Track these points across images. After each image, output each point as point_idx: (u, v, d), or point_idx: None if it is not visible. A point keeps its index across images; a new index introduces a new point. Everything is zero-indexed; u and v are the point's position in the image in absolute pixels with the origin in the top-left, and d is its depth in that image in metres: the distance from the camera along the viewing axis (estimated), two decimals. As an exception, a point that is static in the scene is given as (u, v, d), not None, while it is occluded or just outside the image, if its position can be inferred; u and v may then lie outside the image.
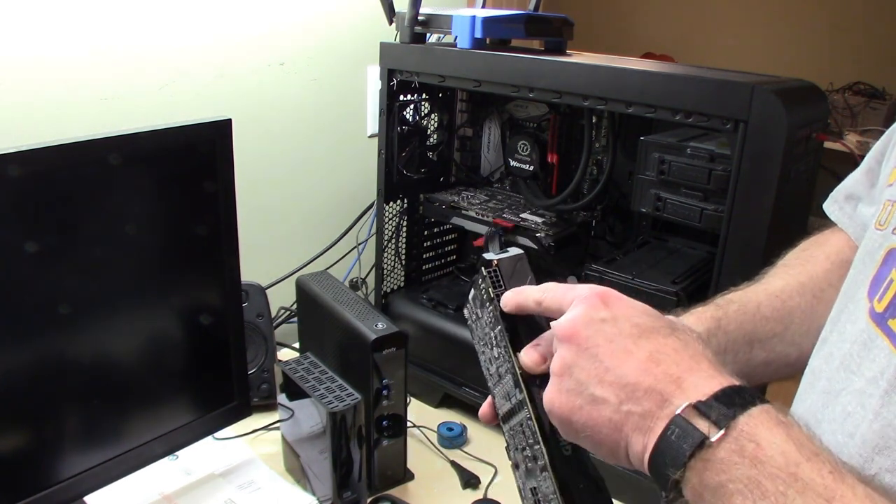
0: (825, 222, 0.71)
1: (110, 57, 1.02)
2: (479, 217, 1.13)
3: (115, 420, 0.80)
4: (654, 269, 0.96)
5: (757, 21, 2.95)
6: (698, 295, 0.88)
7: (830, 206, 0.70)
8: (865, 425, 0.45)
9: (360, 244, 1.36)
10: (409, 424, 0.99)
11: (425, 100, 1.19)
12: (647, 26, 3.24)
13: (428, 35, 1.11)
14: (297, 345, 1.18)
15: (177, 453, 0.95)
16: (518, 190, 1.21)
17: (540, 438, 0.49)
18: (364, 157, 1.39)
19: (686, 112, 0.82)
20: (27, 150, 0.65)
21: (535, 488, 0.51)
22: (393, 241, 1.22)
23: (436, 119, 1.23)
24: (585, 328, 0.46)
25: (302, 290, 1.06)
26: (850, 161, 0.78)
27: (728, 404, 0.40)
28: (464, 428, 1.07)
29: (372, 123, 1.40)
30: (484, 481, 0.98)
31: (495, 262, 0.54)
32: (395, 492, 0.96)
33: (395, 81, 1.10)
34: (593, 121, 1.06)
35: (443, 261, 1.33)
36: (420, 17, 1.08)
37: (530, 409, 0.50)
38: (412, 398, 1.15)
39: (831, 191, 0.70)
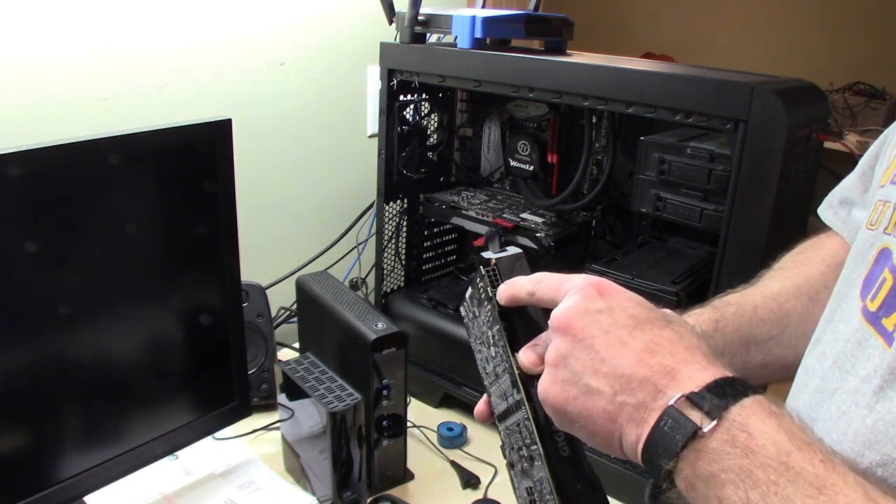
0: (823, 224, 0.71)
1: (110, 57, 1.02)
2: (479, 217, 1.13)
3: (115, 420, 0.80)
4: (654, 269, 0.96)
5: (757, 21, 2.95)
6: (698, 295, 0.88)
7: (825, 211, 0.70)
8: (859, 421, 0.45)
9: (360, 244, 1.36)
10: (409, 424, 0.99)
11: (425, 100, 1.19)
12: (647, 26, 3.24)
13: (428, 35, 1.11)
14: (297, 345, 1.18)
15: (177, 453, 0.95)
16: (518, 190, 1.21)
17: (538, 438, 0.49)
18: (364, 157, 1.39)
19: (686, 112, 0.82)
20: (27, 150, 0.65)
21: (530, 488, 0.51)
22: (393, 241, 1.22)
23: (436, 119, 1.23)
24: (581, 318, 0.46)
25: (302, 290, 1.06)
26: (850, 161, 0.79)
27: (721, 395, 0.40)
28: (464, 428, 1.07)
29: (372, 123, 1.40)
30: (484, 481, 0.98)
31: (494, 260, 0.54)
32: (395, 492, 0.96)
33: (395, 81, 1.10)
34: (593, 121, 1.06)
35: (443, 261, 1.33)
36: (420, 17, 1.08)
37: (528, 410, 0.50)
38: (412, 398, 1.15)
39: (831, 191, 0.71)
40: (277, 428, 1.01)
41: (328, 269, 1.22)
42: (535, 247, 1.06)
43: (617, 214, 1.13)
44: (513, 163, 1.17)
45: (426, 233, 1.27)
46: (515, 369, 0.51)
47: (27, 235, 0.67)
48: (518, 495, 0.53)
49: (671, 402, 0.41)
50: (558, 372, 0.46)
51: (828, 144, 0.99)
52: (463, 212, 1.15)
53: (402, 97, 1.14)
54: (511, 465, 0.54)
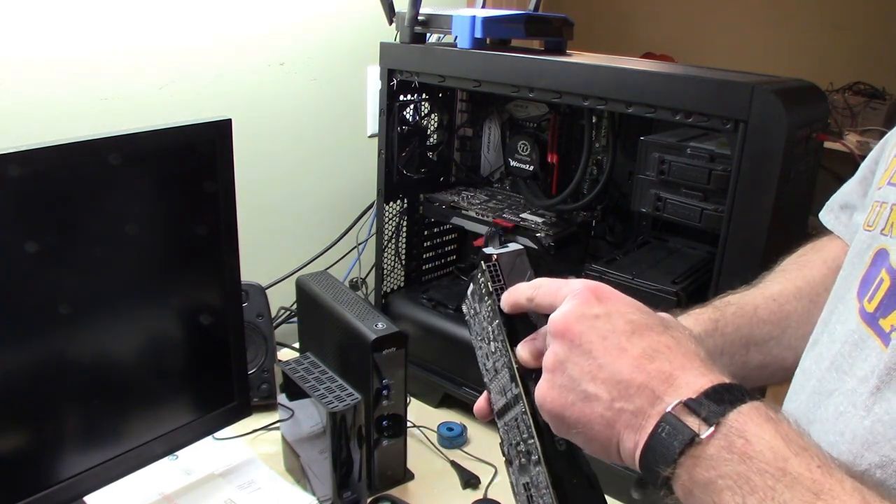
0: (824, 226, 0.71)
1: (110, 57, 1.02)
2: (479, 217, 1.13)
3: (115, 420, 0.80)
4: (654, 269, 0.96)
5: (757, 21, 2.95)
6: (698, 295, 0.88)
7: (826, 216, 0.70)
8: (856, 422, 0.45)
9: (360, 244, 1.36)
10: (409, 424, 0.99)
11: (425, 100, 1.19)
12: (647, 26, 3.24)
13: (428, 35, 1.11)
14: (297, 345, 1.18)
15: (177, 453, 0.95)
16: (518, 190, 1.21)
17: (534, 432, 0.49)
18: (364, 157, 1.39)
19: (686, 112, 0.82)
20: (27, 150, 0.65)
21: (527, 483, 0.51)
22: (393, 241, 1.22)
23: (436, 119, 1.23)
24: (578, 324, 0.45)
25: (302, 290, 1.06)
26: (850, 161, 0.79)
27: (718, 401, 0.40)
28: (464, 428, 1.07)
29: (372, 123, 1.40)
30: (484, 481, 0.98)
31: (495, 256, 0.54)
32: (395, 492, 0.96)
33: (395, 81, 1.10)
34: (593, 121, 1.06)
35: (443, 261, 1.33)
36: (420, 17, 1.08)
37: (525, 404, 0.50)
38: (412, 398, 1.15)
39: (831, 191, 0.71)
40: (277, 428, 1.01)
41: (328, 269, 1.22)
42: (535, 247, 1.06)
43: (617, 214, 1.13)
44: (513, 163, 1.17)
45: (426, 233, 1.27)
46: (514, 363, 0.51)
47: (27, 235, 0.67)
48: (516, 492, 0.53)
49: (669, 409, 0.41)
50: (556, 377, 0.46)
51: (828, 144, 0.99)
52: (463, 212, 1.15)
53: (402, 97, 1.14)
54: (509, 462, 0.54)
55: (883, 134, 0.65)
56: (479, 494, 0.96)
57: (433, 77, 1.06)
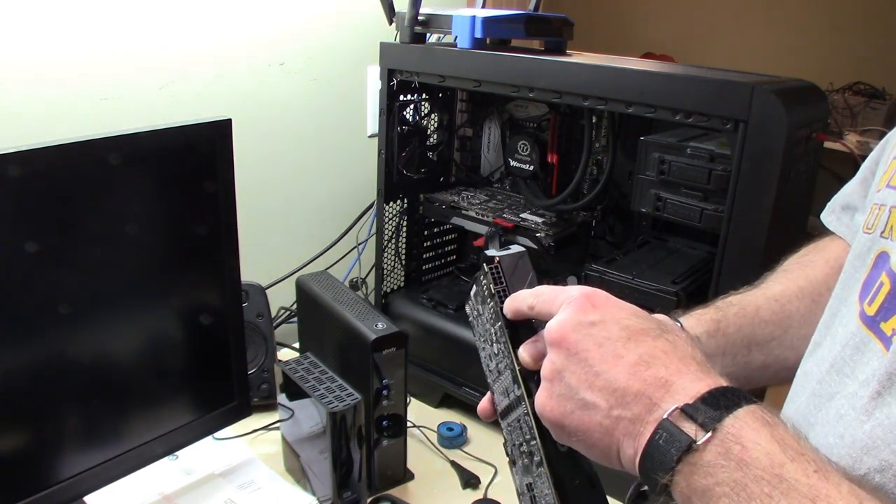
0: (824, 226, 0.71)
1: (110, 57, 1.02)
2: (479, 217, 1.13)
3: (115, 420, 0.80)
4: (654, 269, 0.96)
5: (757, 21, 2.95)
6: (698, 295, 0.88)
7: (828, 217, 0.70)
8: (856, 426, 0.45)
9: (360, 244, 1.36)
10: (409, 424, 0.99)
11: (425, 100, 1.19)
12: (647, 26, 3.24)
13: (428, 35, 1.11)
14: (297, 345, 1.18)
15: (177, 453, 0.95)
16: (518, 190, 1.21)
17: (536, 434, 0.49)
18: (364, 157, 1.39)
19: (686, 112, 0.82)
20: (27, 150, 0.65)
21: (530, 484, 0.51)
22: (393, 241, 1.22)
23: (436, 119, 1.23)
24: (574, 332, 0.45)
25: (302, 290, 1.06)
26: (851, 161, 0.79)
27: (714, 406, 0.40)
28: (464, 428, 1.07)
29: (372, 123, 1.40)
30: (484, 481, 0.98)
31: (497, 258, 0.54)
32: (395, 492, 0.96)
33: (395, 81, 1.10)
34: (593, 121, 1.06)
35: (443, 261, 1.33)
36: (420, 17, 1.08)
37: (528, 405, 0.50)
38: (412, 398, 1.15)
39: (831, 191, 0.71)
40: (277, 428, 1.01)
41: (328, 269, 1.22)
42: (535, 247, 1.06)
43: (617, 214, 1.13)
44: (513, 163, 1.17)
45: (426, 233, 1.27)
46: (516, 365, 0.51)
47: (27, 235, 0.67)
48: (520, 492, 0.53)
49: (665, 415, 0.41)
50: (554, 386, 0.46)
51: (828, 144, 0.99)
52: (463, 212, 1.15)
53: (402, 97, 1.14)
54: (513, 463, 0.54)
55: (883, 134, 0.65)
56: (479, 494, 0.96)
57: (433, 77, 1.06)
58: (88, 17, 0.98)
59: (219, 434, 0.98)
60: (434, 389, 1.15)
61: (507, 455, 0.55)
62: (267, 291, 1.11)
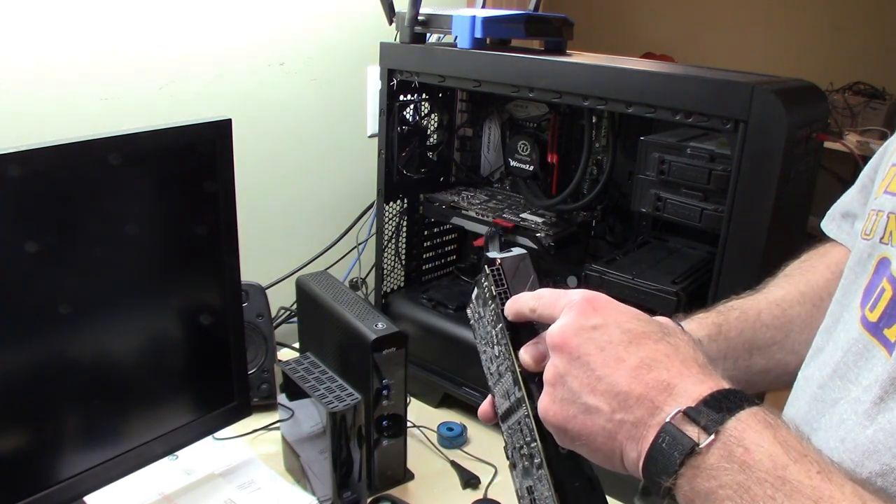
0: (824, 231, 0.72)
1: (110, 57, 1.02)
2: (479, 217, 1.13)
3: (115, 420, 0.80)
4: (654, 269, 0.96)
5: (757, 21, 2.96)
6: (698, 295, 0.89)
7: (829, 225, 0.71)
8: (858, 431, 0.45)
9: (360, 244, 1.36)
10: (409, 424, 0.99)
11: (425, 100, 1.19)
12: (647, 26, 3.25)
13: (428, 35, 1.11)
14: (297, 345, 1.18)
15: (177, 453, 0.95)
16: (518, 190, 1.21)
17: (537, 436, 0.49)
18: (364, 157, 1.39)
19: (686, 112, 0.82)
20: (27, 150, 0.65)
21: (531, 487, 0.51)
22: (393, 241, 1.22)
23: (436, 119, 1.23)
24: (576, 336, 0.45)
25: (302, 290, 1.06)
26: (850, 161, 0.79)
27: (717, 409, 0.40)
28: (464, 428, 1.07)
29: (372, 123, 1.40)
30: (484, 481, 0.98)
31: (498, 260, 0.54)
32: (395, 492, 0.96)
33: (395, 81, 1.10)
34: (593, 121, 1.06)
35: (443, 261, 1.33)
36: (420, 17, 1.08)
37: (528, 407, 0.50)
38: (412, 398, 1.15)
39: (831, 190, 0.71)
40: (277, 428, 1.01)
41: (328, 269, 1.22)
42: (535, 247, 1.06)
43: (617, 214, 1.13)
44: (513, 163, 1.17)
45: (426, 233, 1.27)
46: (517, 367, 0.51)
47: (27, 235, 0.67)
48: (520, 495, 0.53)
49: (668, 419, 0.41)
50: (556, 391, 0.46)
51: (828, 144, 0.99)
52: (463, 212, 1.15)
53: (402, 97, 1.14)
54: (513, 465, 0.54)
55: (883, 134, 0.65)
56: (479, 494, 0.96)
57: (433, 77, 1.06)
58: (88, 17, 0.98)
59: (219, 434, 0.98)
60: (434, 389, 1.15)
61: (508, 458, 0.55)
62: (267, 291, 1.11)
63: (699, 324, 0.63)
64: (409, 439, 0.98)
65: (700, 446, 0.39)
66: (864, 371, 0.47)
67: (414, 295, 1.21)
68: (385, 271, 1.22)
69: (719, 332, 0.63)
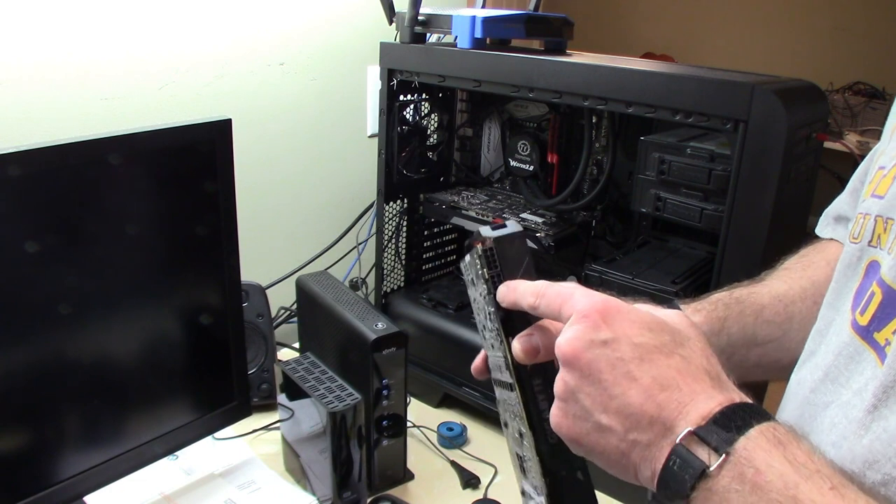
0: (822, 238, 0.72)
1: (110, 57, 1.02)
2: (479, 217, 1.13)
3: (115, 420, 0.80)
4: (654, 269, 0.96)
5: (757, 21, 2.95)
6: (698, 295, 0.88)
7: (823, 229, 0.71)
8: (853, 438, 0.45)
9: (360, 244, 1.36)
10: (409, 424, 0.99)
11: (425, 100, 1.19)
12: (647, 26, 3.24)
13: (428, 35, 1.11)
14: (297, 345, 1.18)
15: (177, 453, 0.95)
16: (518, 190, 1.21)
17: (527, 425, 0.49)
18: (364, 157, 1.39)
19: (686, 112, 0.82)
20: (27, 150, 0.65)
21: (521, 456, 0.52)
22: (393, 241, 1.22)
23: (436, 119, 1.23)
24: (587, 351, 0.44)
25: (302, 290, 1.06)
26: (850, 161, 0.79)
27: (726, 427, 0.40)
28: (464, 428, 1.07)
29: (372, 123, 1.40)
30: (484, 481, 0.98)
31: (490, 239, 0.51)
32: (395, 492, 0.96)
33: (395, 81, 1.10)
34: (593, 121, 1.06)
35: (443, 261, 1.33)
36: (420, 17, 1.08)
37: (519, 398, 0.50)
38: (412, 398, 1.15)
39: (831, 191, 0.71)
40: (277, 428, 1.01)
41: (328, 269, 1.22)
42: (535, 247, 1.06)
43: (617, 214, 1.13)
44: (513, 163, 1.17)
45: (426, 233, 1.27)
46: (509, 355, 0.50)
47: (27, 235, 0.67)
48: (510, 452, 0.54)
49: (678, 440, 0.41)
50: (569, 406, 0.46)
51: (828, 144, 0.99)
52: (463, 212, 1.15)
53: (402, 97, 1.14)
54: (505, 425, 0.54)
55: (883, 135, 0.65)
56: (479, 494, 0.96)
57: (433, 77, 1.06)
58: (88, 17, 0.98)
59: (219, 434, 0.98)
60: (434, 389, 1.15)
61: (500, 418, 0.55)
62: (267, 291, 1.11)
63: (706, 317, 0.63)
64: (409, 439, 0.98)
65: (710, 469, 0.39)
66: (854, 375, 0.47)
67: (414, 295, 1.21)
68: (385, 271, 1.22)
69: (723, 328, 0.63)
